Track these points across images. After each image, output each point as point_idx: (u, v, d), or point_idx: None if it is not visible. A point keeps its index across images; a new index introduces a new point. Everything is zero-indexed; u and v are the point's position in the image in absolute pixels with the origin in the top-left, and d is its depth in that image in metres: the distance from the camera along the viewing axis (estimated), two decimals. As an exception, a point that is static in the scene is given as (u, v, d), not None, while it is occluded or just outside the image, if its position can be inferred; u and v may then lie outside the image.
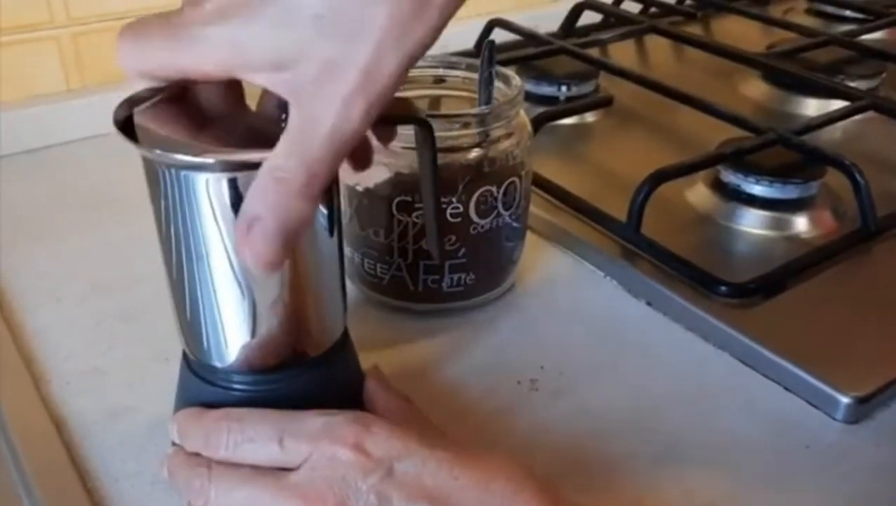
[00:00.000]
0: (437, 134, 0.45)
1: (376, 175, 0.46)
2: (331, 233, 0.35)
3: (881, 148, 0.68)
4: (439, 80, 0.51)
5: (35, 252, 0.55)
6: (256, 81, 0.29)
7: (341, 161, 0.29)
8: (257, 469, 0.33)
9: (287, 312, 0.35)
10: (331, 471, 0.32)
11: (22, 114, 0.67)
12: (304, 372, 0.37)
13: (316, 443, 0.33)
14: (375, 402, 0.39)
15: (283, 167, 0.29)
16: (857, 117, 0.68)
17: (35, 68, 0.68)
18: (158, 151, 0.31)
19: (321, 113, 0.28)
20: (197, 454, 0.35)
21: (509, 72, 0.49)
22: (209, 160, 0.31)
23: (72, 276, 0.53)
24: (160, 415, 0.39)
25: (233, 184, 0.31)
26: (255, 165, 0.31)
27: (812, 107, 0.74)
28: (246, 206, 0.29)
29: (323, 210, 0.34)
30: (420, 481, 0.32)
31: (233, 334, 0.35)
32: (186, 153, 0.31)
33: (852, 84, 0.75)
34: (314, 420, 0.34)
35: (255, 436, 0.34)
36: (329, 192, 0.34)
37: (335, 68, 0.27)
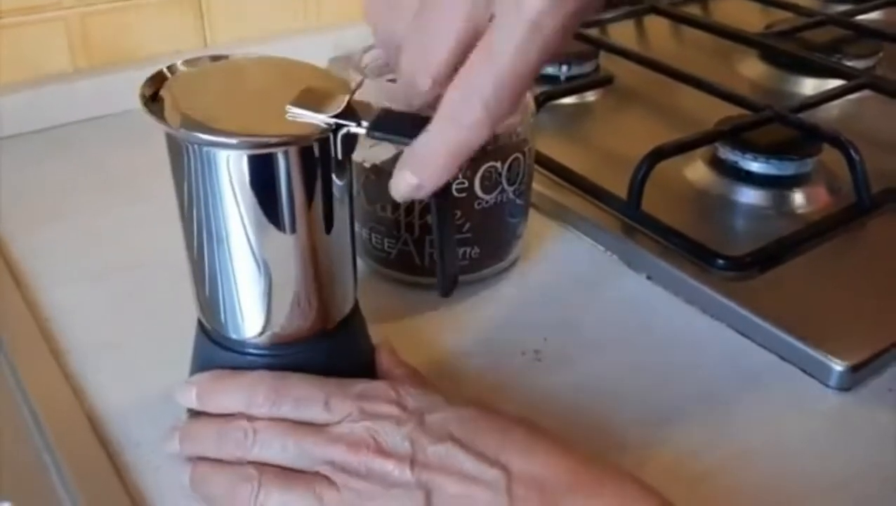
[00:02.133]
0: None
1: (383, 152, 0.47)
2: (344, 206, 0.37)
3: (877, 126, 0.69)
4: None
5: (47, 231, 0.56)
6: None
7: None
8: (298, 424, 0.36)
9: (303, 286, 0.36)
10: (371, 422, 0.35)
11: (30, 94, 0.68)
12: (317, 344, 0.38)
13: (359, 401, 0.36)
14: (390, 373, 0.41)
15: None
16: (853, 96, 0.69)
17: (42, 49, 0.68)
18: (182, 129, 0.32)
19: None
20: (223, 416, 0.36)
21: (513, 51, 0.50)
22: (232, 139, 0.32)
23: (85, 255, 0.54)
24: (177, 383, 0.40)
25: (253, 161, 0.33)
26: (275, 144, 0.32)
27: (809, 86, 0.75)
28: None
29: (338, 182, 0.35)
30: (447, 428, 0.35)
31: (250, 308, 0.36)
32: (210, 131, 0.32)
33: (849, 63, 0.76)
34: (355, 384, 0.37)
35: (302, 396, 0.36)
36: (342, 164, 0.35)
37: None
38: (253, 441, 0.35)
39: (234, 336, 0.37)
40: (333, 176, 0.35)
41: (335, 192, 0.35)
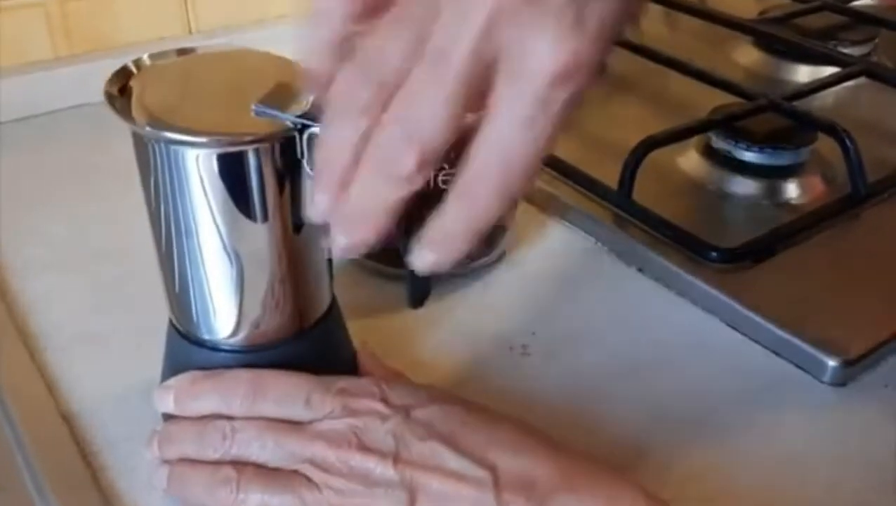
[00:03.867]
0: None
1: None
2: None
3: (872, 114, 0.69)
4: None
5: (27, 221, 0.55)
6: None
7: None
8: (278, 422, 0.35)
9: (276, 284, 0.35)
10: (353, 419, 0.34)
11: (9, 82, 0.66)
12: (294, 342, 0.37)
13: (341, 398, 0.35)
14: (372, 374, 0.40)
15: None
16: (849, 83, 0.68)
17: (22, 36, 0.67)
18: (148, 127, 0.31)
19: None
20: (202, 417, 0.36)
21: (501, 38, 0.48)
22: (200, 138, 0.30)
23: (65, 244, 0.53)
24: (155, 380, 0.39)
25: (223, 160, 0.31)
26: (246, 142, 0.31)
27: (804, 73, 0.74)
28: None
29: (307, 161, 0.34)
30: (432, 424, 0.34)
31: (222, 308, 0.35)
32: (177, 130, 0.31)
33: (845, 50, 0.75)
34: (337, 380, 0.36)
35: (282, 393, 0.35)
36: (311, 143, 0.34)
37: None
38: (231, 441, 0.34)
39: (206, 336, 0.36)
40: (305, 170, 0.34)
41: (309, 178, 0.34)
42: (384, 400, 0.35)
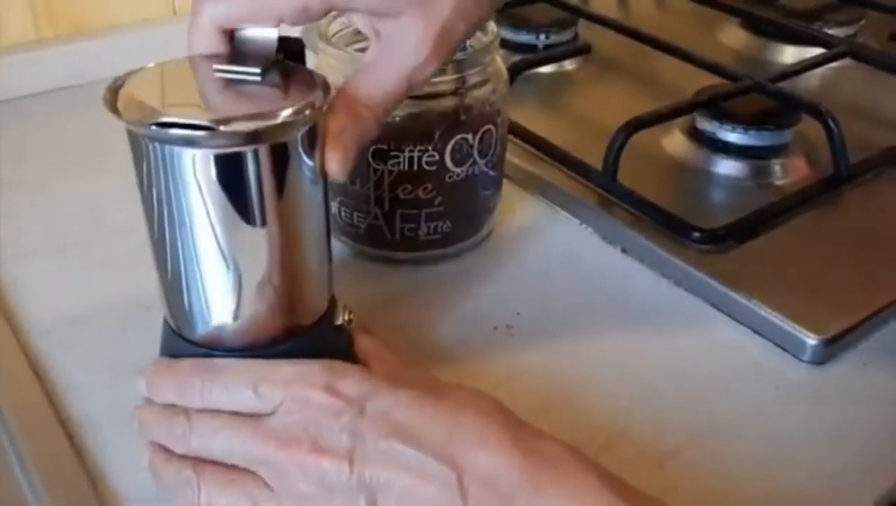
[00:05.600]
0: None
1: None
2: (319, 197, 0.35)
3: (857, 95, 0.69)
4: (415, 28, 0.51)
5: (10, 204, 0.55)
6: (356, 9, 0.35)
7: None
8: (235, 415, 0.34)
9: (271, 286, 0.34)
10: (304, 414, 0.33)
11: (-8, 64, 0.66)
12: (289, 345, 0.36)
13: (289, 388, 0.33)
14: (365, 358, 0.39)
15: (366, 98, 0.35)
16: (834, 65, 0.68)
17: (4, 17, 0.66)
18: (147, 126, 0.30)
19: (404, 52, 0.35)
20: (170, 405, 0.35)
21: (485, 18, 0.48)
22: (196, 137, 0.30)
23: (48, 227, 0.53)
24: (141, 362, 0.39)
25: (219, 160, 0.31)
26: (244, 140, 0.30)
27: (790, 54, 0.74)
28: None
29: (308, 162, 0.33)
30: (390, 418, 0.32)
31: (216, 309, 0.34)
32: (176, 127, 0.30)
33: (830, 31, 0.75)
34: (287, 367, 0.34)
35: (230, 384, 0.34)
36: (313, 144, 0.34)
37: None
38: (190, 436, 0.34)
39: (201, 337, 0.35)
40: (305, 172, 0.33)
41: (307, 167, 0.34)
42: (333, 391, 0.33)
